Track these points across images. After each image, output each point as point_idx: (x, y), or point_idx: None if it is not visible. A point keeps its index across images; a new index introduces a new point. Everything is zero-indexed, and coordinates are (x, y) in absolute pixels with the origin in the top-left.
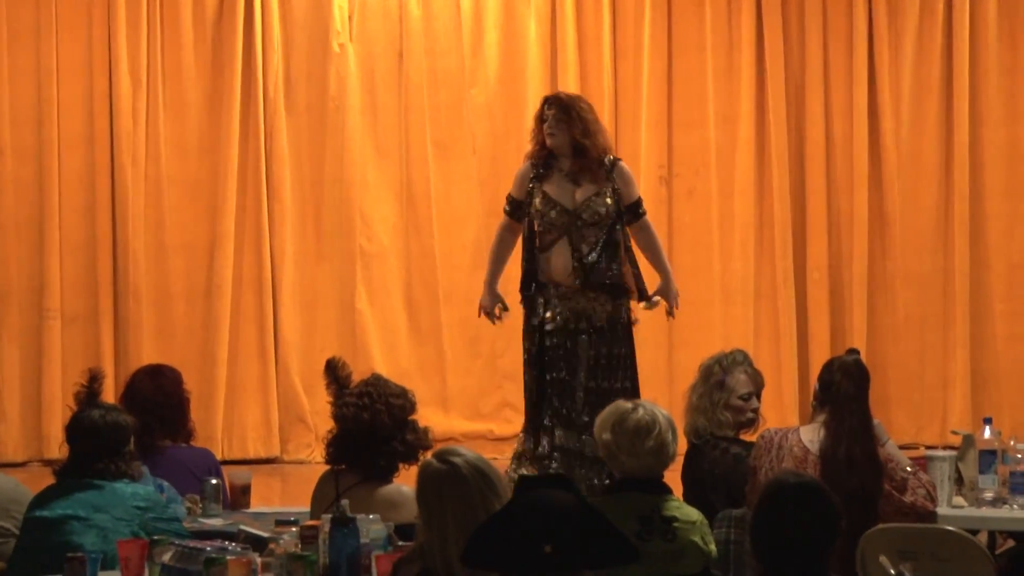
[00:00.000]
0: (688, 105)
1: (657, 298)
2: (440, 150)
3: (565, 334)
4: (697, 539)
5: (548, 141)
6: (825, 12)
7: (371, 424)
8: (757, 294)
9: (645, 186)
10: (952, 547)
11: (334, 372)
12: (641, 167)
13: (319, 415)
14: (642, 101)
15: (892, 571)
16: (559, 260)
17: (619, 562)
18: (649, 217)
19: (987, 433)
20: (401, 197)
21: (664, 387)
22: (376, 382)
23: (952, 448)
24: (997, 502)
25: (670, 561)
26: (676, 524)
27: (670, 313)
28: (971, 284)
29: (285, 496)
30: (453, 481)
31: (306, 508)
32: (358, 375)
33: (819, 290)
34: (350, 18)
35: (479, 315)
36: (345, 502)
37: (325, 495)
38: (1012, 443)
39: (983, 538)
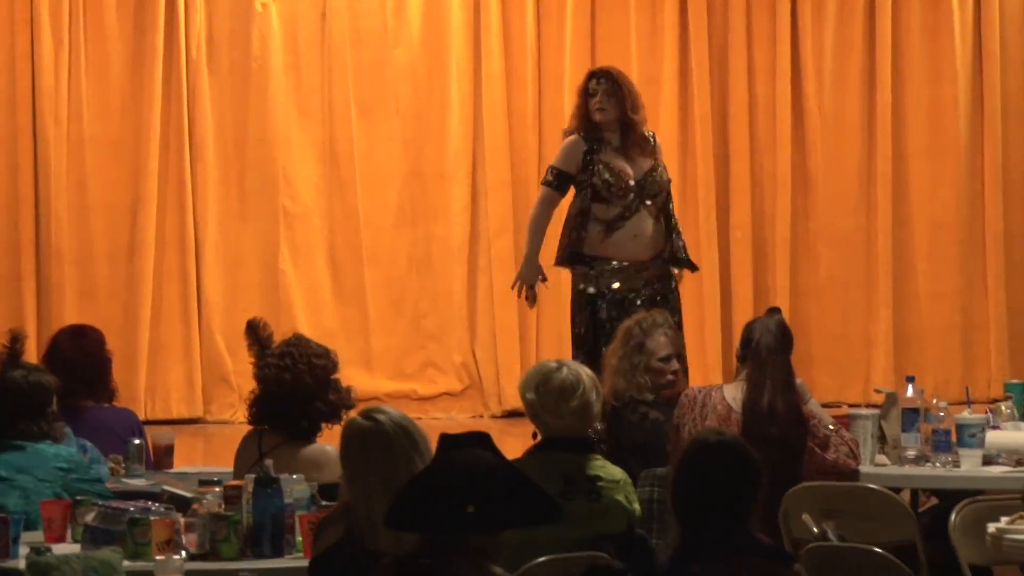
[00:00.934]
0: (611, 64)
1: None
2: (363, 110)
3: (623, 307)
4: (621, 498)
5: (597, 116)
6: None
7: (293, 384)
8: None
9: None
10: (875, 505)
11: (256, 333)
12: (564, 127)
13: (242, 375)
14: (565, 60)
15: (815, 529)
16: (625, 234)
17: (542, 521)
18: None
19: (910, 391)
20: (324, 157)
21: None
22: (298, 342)
23: (875, 407)
24: (920, 460)
25: (594, 520)
26: (600, 483)
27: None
28: (893, 243)
29: (208, 456)
30: (377, 439)
31: (229, 468)
32: (282, 335)
33: (742, 250)
34: None
35: (515, 289)
36: (269, 462)
37: (248, 455)
38: (935, 401)
39: (906, 496)
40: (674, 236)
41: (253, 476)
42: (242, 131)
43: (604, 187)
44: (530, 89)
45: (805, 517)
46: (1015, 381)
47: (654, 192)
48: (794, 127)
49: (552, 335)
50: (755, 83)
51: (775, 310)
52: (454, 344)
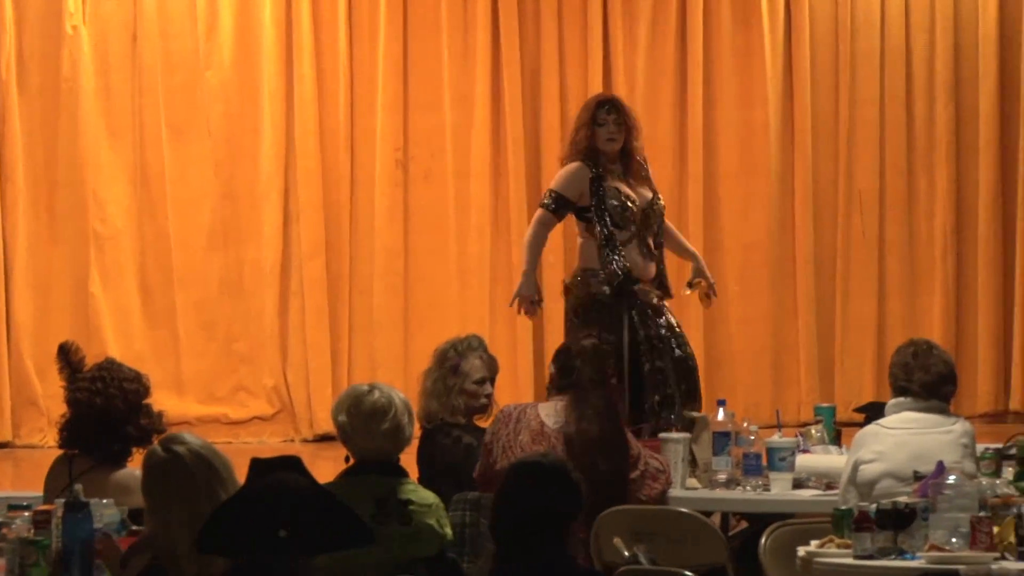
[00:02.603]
0: (424, 87)
1: (698, 280)
2: (174, 132)
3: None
4: (433, 522)
5: (606, 146)
6: None
7: (104, 408)
8: (493, 277)
9: (381, 169)
10: (686, 528)
11: (67, 356)
12: (377, 150)
13: (52, 399)
14: (378, 83)
15: (626, 553)
16: (635, 258)
17: (354, 545)
18: (386, 199)
19: (721, 415)
20: (135, 179)
21: (399, 370)
22: (110, 366)
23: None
24: (730, 483)
25: (406, 544)
26: (412, 507)
27: (712, 293)
28: (706, 266)
29: (17, 480)
30: (176, 469)
31: (39, 493)
32: (93, 359)
33: (555, 273)
34: (83, 0)
35: (514, 305)
36: (79, 487)
37: (58, 480)
38: (745, 425)
39: (717, 519)
40: (664, 263)
41: (63, 501)
42: (52, 153)
43: (615, 209)
44: (342, 112)
45: (616, 541)
46: (825, 405)
47: (656, 220)
48: None
49: (364, 358)
50: (567, 105)
51: (588, 336)
52: (265, 368)
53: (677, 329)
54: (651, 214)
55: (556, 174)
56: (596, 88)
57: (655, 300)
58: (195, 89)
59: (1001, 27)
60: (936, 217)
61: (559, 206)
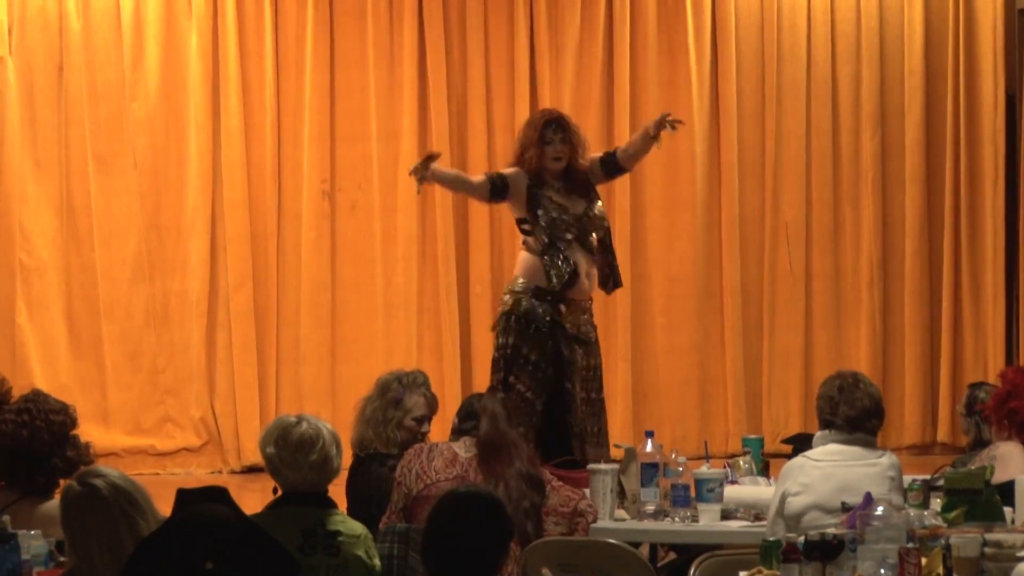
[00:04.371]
0: (350, 119)
1: (662, 132)
2: (100, 163)
3: (566, 344)
4: (361, 553)
5: (553, 164)
6: (486, 28)
7: (30, 440)
8: (420, 308)
9: (307, 201)
10: (614, 560)
11: None
12: (304, 181)
13: None
14: (304, 115)
15: None
16: (578, 258)
17: None
18: (312, 231)
19: (649, 446)
20: (61, 211)
21: (327, 400)
22: (36, 398)
23: (614, 461)
24: (659, 515)
25: (333, 575)
26: (340, 538)
27: (672, 126)
28: (632, 298)
29: None
30: (93, 503)
31: None
32: (19, 390)
33: (482, 304)
34: (9, 31)
35: (413, 175)
36: (6, 518)
37: None
38: (673, 456)
39: (645, 551)
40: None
41: None
42: None
43: (548, 220)
44: (269, 143)
45: (544, 572)
46: (752, 436)
47: (591, 228)
48: None
49: (291, 389)
50: (494, 137)
51: (494, 389)
52: (192, 399)
53: (599, 372)
54: (586, 222)
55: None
56: (523, 120)
57: (592, 336)
58: (121, 120)
59: (927, 59)
60: (862, 249)
61: (496, 183)
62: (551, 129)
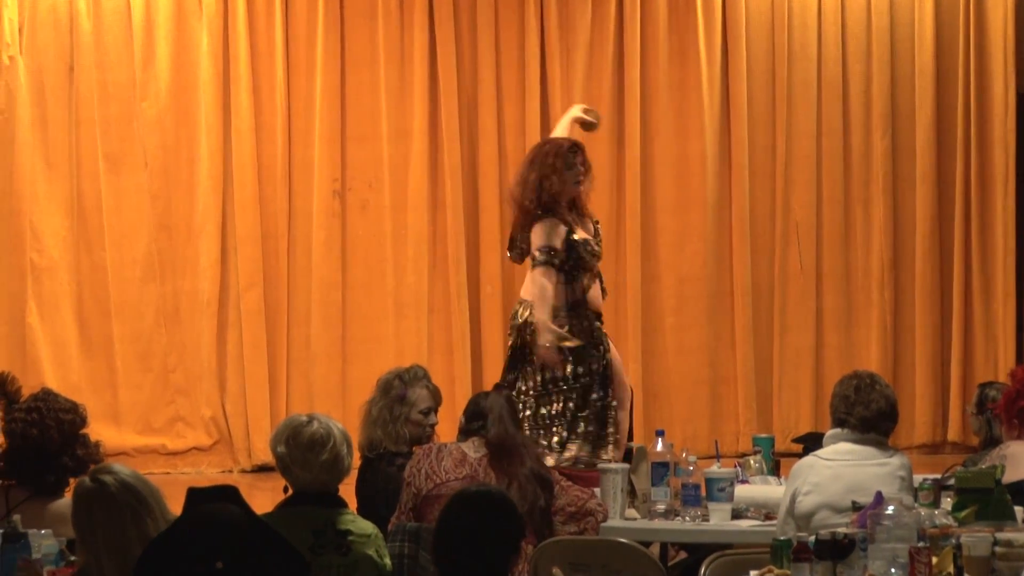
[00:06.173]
0: (361, 119)
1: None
2: (111, 163)
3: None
4: (372, 552)
5: (574, 189)
6: (497, 28)
7: (40, 439)
8: (431, 308)
9: (318, 201)
10: (625, 559)
11: (3, 387)
12: (315, 181)
13: None
14: (315, 115)
15: None
16: (595, 291)
17: None
18: (323, 231)
19: (659, 446)
20: (72, 211)
21: (338, 400)
22: (46, 397)
23: (625, 460)
24: (669, 514)
25: (344, 574)
26: (351, 538)
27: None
28: (643, 298)
29: None
30: (102, 500)
31: None
32: (29, 389)
33: (492, 304)
34: (20, 30)
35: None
36: (16, 517)
37: None
38: (684, 455)
39: (655, 550)
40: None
41: (0, 531)
42: None
43: (586, 249)
44: (279, 143)
45: (555, 571)
46: (763, 435)
47: (600, 254)
48: None
49: (302, 389)
50: (505, 138)
51: (500, 387)
52: (203, 398)
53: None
54: (599, 245)
55: (533, 229)
56: (534, 121)
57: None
58: (132, 120)
59: (938, 59)
60: (873, 248)
61: (551, 256)
62: (575, 153)
